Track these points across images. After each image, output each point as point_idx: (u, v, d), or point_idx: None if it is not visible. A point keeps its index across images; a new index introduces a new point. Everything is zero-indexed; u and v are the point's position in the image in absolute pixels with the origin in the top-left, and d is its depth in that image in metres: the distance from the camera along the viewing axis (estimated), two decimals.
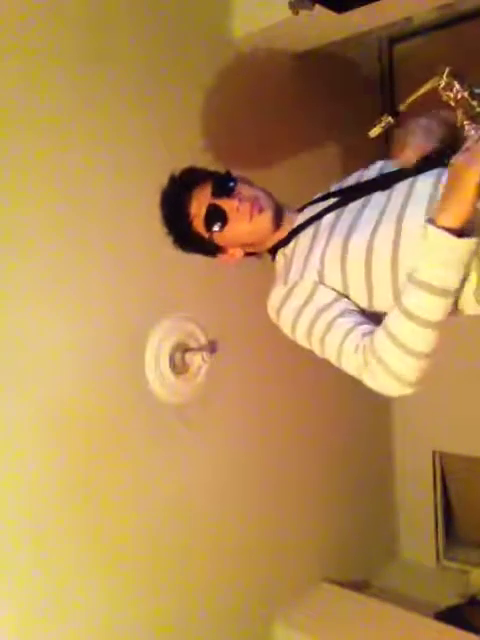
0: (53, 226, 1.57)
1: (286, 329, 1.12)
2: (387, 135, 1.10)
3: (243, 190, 1.17)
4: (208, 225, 1.18)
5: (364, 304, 1.08)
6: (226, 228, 1.17)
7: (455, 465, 2.85)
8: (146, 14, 1.80)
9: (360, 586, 2.52)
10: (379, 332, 0.98)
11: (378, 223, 1.04)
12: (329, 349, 1.06)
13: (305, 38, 2.15)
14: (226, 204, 1.16)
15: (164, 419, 1.83)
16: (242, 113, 2.08)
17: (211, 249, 1.24)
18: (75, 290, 1.62)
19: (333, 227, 1.10)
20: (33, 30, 1.53)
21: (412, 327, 0.94)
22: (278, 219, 1.18)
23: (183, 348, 1.84)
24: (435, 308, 0.94)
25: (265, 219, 1.16)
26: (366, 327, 1.03)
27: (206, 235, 1.19)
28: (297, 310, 1.09)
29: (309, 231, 1.15)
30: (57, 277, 1.58)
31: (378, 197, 1.09)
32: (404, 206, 1.04)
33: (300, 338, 1.10)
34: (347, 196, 1.14)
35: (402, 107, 0.99)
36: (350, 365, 1.04)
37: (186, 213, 1.19)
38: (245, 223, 1.16)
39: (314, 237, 1.13)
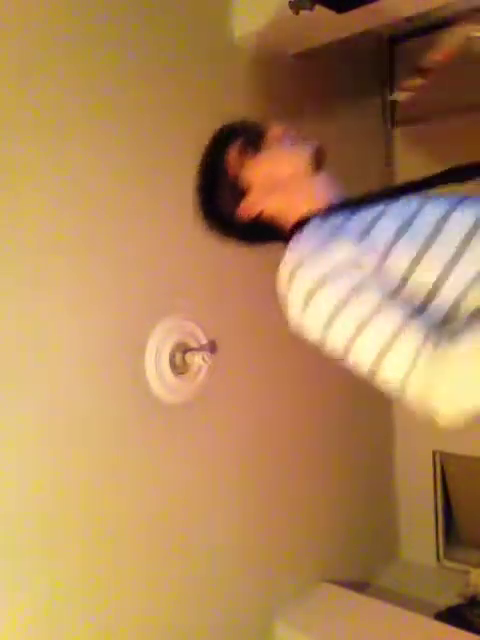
0: (54, 225, 1.57)
1: None
2: None
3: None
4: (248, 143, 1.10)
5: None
6: (264, 156, 1.08)
7: (455, 465, 2.84)
8: (144, 13, 1.80)
9: (360, 586, 2.52)
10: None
11: None
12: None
13: (305, 38, 2.14)
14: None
15: (164, 419, 1.83)
16: (241, 113, 2.08)
17: (234, 185, 1.09)
18: (75, 290, 1.62)
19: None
20: (29, 28, 1.53)
21: None
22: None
23: (183, 348, 1.84)
24: None
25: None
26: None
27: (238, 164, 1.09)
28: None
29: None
30: (57, 276, 1.58)
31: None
32: None
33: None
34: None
35: (430, 64, 0.93)
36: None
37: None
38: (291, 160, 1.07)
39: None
